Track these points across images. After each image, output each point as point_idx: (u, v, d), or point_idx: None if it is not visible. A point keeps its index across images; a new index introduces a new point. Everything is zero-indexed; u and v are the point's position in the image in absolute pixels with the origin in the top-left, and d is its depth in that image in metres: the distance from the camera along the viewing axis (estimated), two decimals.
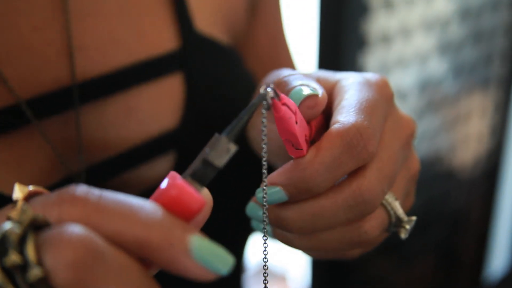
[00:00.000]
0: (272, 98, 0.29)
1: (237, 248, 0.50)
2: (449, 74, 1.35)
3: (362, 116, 0.31)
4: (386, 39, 1.15)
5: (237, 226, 0.48)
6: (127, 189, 0.39)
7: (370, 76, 0.35)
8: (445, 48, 1.31)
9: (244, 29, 0.50)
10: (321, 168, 0.30)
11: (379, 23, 1.12)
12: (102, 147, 0.38)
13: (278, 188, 0.31)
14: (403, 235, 0.35)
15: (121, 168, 0.38)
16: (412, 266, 1.45)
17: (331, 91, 0.35)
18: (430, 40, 1.26)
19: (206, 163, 0.27)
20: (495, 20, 1.43)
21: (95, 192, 0.23)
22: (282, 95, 0.30)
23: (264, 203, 0.31)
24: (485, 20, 1.39)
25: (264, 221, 0.32)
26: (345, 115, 0.31)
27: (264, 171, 0.31)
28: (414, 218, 0.35)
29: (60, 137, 0.37)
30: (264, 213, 0.31)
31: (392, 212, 0.34)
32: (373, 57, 1.13)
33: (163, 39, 0.41)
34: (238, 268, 0.53)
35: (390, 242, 1.38)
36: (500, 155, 1.64)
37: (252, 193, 0.45)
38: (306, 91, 0.32)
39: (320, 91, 0.32)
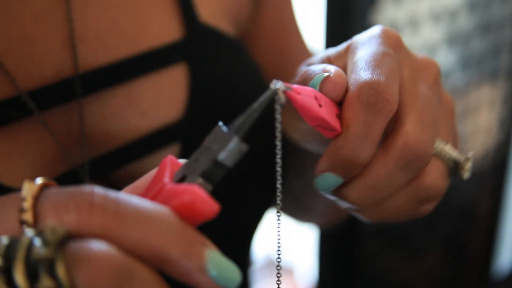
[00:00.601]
0: (284, 92, 0.29)
1: (244, 241, 0.50)
2: (457, 66, 1.34)
3: (370, 72, 0.31)
4: (394, 29, 1.14)
5: (245, 219, 0.47)
6: (130, 181, 0.38)
7: (373, 29, 0.35)
8: (454, 40, 1.30)
9: (249, 18, 0.49)
10: (355, 139, 0.30)
11: (387, 14, 1.11)
12: (105, 139, 0.38)
13: (329, 174, 0.31)
14: (466, 175, 0.35)
15: (124, 160, 0.38)
16: (419, 260, 1.45)
17: (347, 54, 0.35)
18: (438, 31, 1.25)
19: (217, 163, 0.26)
20: (504, 12, 1.42)
21: (112, 197, 0.22)
22: (294, 86, 0.30)
23: (278, 194, 0.31)
24: (493, 12, 1.38)
25: (278, 209, 0.32)
26: (355, 76, 0.31)
27: (278, 169, 0.31)
28: (471, 155, 0.35)
29: (63, 129, 0.36)
30: (278, 204, 0.32)
31: (446, 158, 0.33)
32: None
33: (166, 29, 0.40)
34: (246, 262, 0.52)
35: (397, 236, 1.38)
36: (509, 148, 1.63)
37: (260, 185, 0.45)
38: (320, 76, 0.32)
39: (332, 70, 0.32)
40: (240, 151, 0.27)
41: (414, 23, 1.18)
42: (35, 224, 0.22)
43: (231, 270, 0.24)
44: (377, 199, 0.32)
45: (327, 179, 0.32)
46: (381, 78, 0.30)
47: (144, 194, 0.26)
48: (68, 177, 0.36)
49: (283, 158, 0.45)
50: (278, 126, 0.30)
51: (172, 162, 0.27)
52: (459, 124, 1.43)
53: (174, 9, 0.41)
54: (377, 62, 0.31)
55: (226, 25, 0.45)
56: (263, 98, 0.28)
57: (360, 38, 0.35)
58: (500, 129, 1.58)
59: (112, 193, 0.23)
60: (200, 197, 0.24)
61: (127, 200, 0.23)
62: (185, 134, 0.39)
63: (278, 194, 0.31)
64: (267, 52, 0.51)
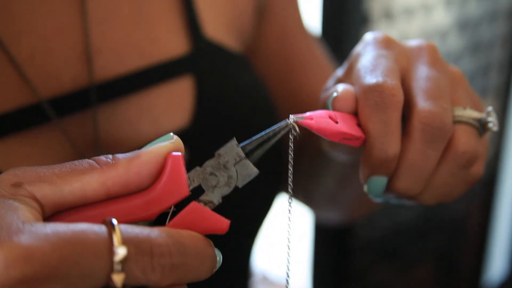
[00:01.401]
0: (296, 123, 0.32)
1: (243, 254, 0.52)
2: None
3: (369, 76, 0.34)
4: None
5: (243, 233, 0.49)
6: None
7: (365, 38, 0.38)
8: (444, 59, 1.32)
9: (253, 33, 0.52)
10: (377, 138, 0.33)
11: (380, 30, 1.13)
12: (118, 145, 0.40)
13: (372, 178, 0.34)
14: (494, 128, 0.36)
15: None
16: (411, 273, 1.46)
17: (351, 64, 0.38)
18: None
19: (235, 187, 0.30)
20: (493, 32, 1.45)
21: (181, 251, 0.26)
22: (306, 114, 0.33)
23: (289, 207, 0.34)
24: (483, 32, 1.42)
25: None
26: (358, 85, 0.35)
27: (290, 191, 0.33)
28: (490, 108, 0.37)
29: (79, 135, 0.39)
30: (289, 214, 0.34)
31: (470, 120, 0.36)
32: None
33: (174, 44, 0.43)
34: (245, 274, 0.54)
35: (390, 249, 1.39)
36: (498, 164, 1.66)
37: (258, 199, 0.47)
38: (330, 98, 0.35)
39: (339, 89, 0.35)
40: (251, 174, 0.30)
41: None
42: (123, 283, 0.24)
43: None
44: (422, 180, 0.34)
45: (374, 184, 0.35)
46: (379, 79, 0.33)
47: (165, 193, 0.28)
48: None
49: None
50: (291, 154, 0.32)
51: (182, 162, 0.29)
52: None
53: (181, 25, 0.44)
54: (374, 65, 0.35)
55: (231, 40, 0.48)
56: (278, 130, 0.31)
57: (356, 50, 0.38)
58: (490, 145, 1.61)
59: (182, 246, 0.26)
60: (227, 227, 0.29)
61: (192, 250, 0.26)
62: (192, 141, 0.42)
63: (289, 200, 0.34)
64: (273, 62, 0.54)
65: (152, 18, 0.43)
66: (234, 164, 0.30)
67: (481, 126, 0.36)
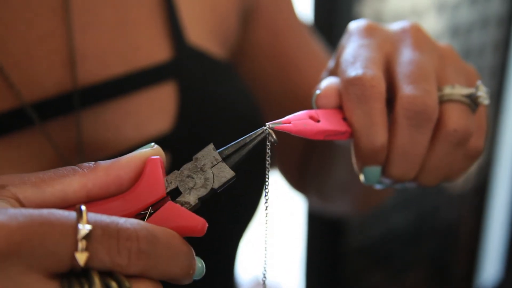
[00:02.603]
0: (272, 129, 0.32)
1: (228, 260, 0.52)
2: None
3: (349, 68, 0.35)
4: None
5: (225, 243, 0.49)
6: None
7: (349, 28, 0.39)
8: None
9: (238, 38, 0.52)
10: (362, 131, 0.34)
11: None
12: (101, 149, 0.41)
13: (366, 169, 0.35)
14: (485, 101, 0.36)
15: None
16: (403, 278, 1.46)
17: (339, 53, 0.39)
18: None
19: (212, 189, 0.30)
20: (484, 38, 1.46)
21: (153, 240, 0.26)
22: (284, 119, 0.33)
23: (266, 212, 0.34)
24: (474, 38, 1.43)
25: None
26: (341, 79, 0.35)
27: (266, 202, 0.34)
28: (479, 83, 0.36)
29: (62, 138, 0.39)
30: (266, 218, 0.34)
31: (459, 97, 0.36)
32: None
33: (157, 50, 0.44)
34: (231, 284, 0.54)
35: (382, 254, 1.39)
36: (490, 169, 1.66)
37: (239, 207, 0.47)
38: (313, 97, 0.36)
39: (322, 86, 0.35)
40: (228, 177, 0.31)
41: None
42: (86, 262, 0.25)
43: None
44: (415, 164, 0.35)
45: (368, 173, 0.35)
46: (358, 71, 0.34)
47: (142, 194, 0.29)
48: None
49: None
50: (268, 160, 0.33)
51: (160, 165, 0.30)
52: None
53: (165, 32, 0.44)
54: (354, 57, 0.35)
55: (214, 46, 0.48)
56: (254, 136, 0.32)
57: (342, 41, 0.38)
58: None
59: (152, 234, 0.26)
60: (205, 227, 0.29)
61: (163, 240, 0.27)
62: (174, 145, 0.42)
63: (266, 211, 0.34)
64: (265, 63, 0.54)
65: (136, 24, 0.43)
66: (211, 167, 0.31)
67: (472, 102, 0.36)
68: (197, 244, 0.40)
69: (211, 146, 0.31)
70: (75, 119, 0.40)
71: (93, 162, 0.29)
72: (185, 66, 0.45)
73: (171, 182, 0.30)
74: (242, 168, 0.45)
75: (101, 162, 0.29)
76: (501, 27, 1.50)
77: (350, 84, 0.34)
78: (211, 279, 0.49)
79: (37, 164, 0.38)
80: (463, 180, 1.58)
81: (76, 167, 0.28)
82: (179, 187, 0.30)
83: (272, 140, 0.32)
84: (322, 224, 1.21)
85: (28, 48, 0.39)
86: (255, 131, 0.32)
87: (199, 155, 0.31)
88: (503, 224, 1.76)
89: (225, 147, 0.31)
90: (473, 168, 1.67)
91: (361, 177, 0.36)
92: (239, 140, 0.32)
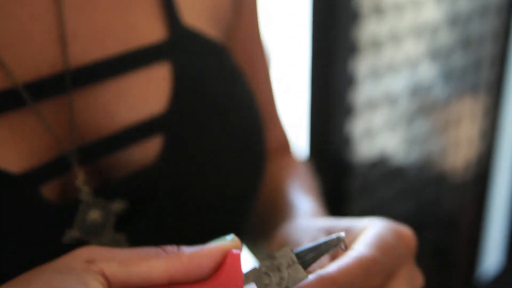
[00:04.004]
0: (343, 239, 0.34)
1: None
2: (439, 79, 1.38)
3: (378, 251, 0.35)
4: (376, 45, 1.17)
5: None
6: (117, 169, 0.41)
7: (402, 228, 0.39)
8: (435, 54, 1.33)
9: (231, 21, 0.52)
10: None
11: (369, 29, 1.14)
12: (94, 129, 0.40)
13: None
14: None
15: (111, 148, 0.41)
16: None
17: (360, 231, 0.39)
18: (420, 46, 1.28)
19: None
20: (484, 27, 1.46)
21: None
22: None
23: None
24: (474, 27, 1.42)
25: None
26: (364, 246, 0.35)
27: None
28: None
29: (55, 119, 0.39)
30: None
31: None
32: (364, 62, 1.16)
33: (151, 30, 0.44)
34: None
35: None
36: (491, 158, 1.66)
37: (237, 215, 0.48)
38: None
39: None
40: (302, 279, 0.33)
41: (396, 38, 1.21)
42: None
43: None
44: None
45: None
46: (380, 261, 0.35)
47: (221, 286, 0.31)
48: (58, 163, 0.39)
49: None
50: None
51: (240, 259, 0.32)
52: (442, 136, 1.46)
53: (159, 12, 0.44)
54: (386, 248, 0.36)
55: (209, 28, 0.48)
56: (330, 243, 0.34)
57: (383, 223, 0.39)
58: (482, 140, 1.62)
59: None
60: None
61: None
62: (168, 127, 0.42)
63: None
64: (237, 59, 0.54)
65: (130, 4, 0.43)
66: (287, 267, 0.33)
67: None
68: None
69: (289, 248, 0.33)
70: (67, 100, 0.40)
71: (176, 247, 0.31)
72: (180, 47, 0.45)
73: (248, 277, 0.32)
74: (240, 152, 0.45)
75: (185, 249, 0.31)
76: (501, 16, 1.49)
77: (371, 257, 0.36)
78: None
79: (30, 144, 0.38)
80: (464, 170, 1.58)
81: (161, 250, 0.31)
82: (256, 283, 0.32)
83: (343, 247, 0.34)
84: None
85: (21, 27, 0.39)
86: (330, 239, 0.34)
87: (277, 254, 0.33)
88: (505, 213, 1.76)
89: (301, 250, 0.34)
90: (474, 159, 1.67)
91: None
92: (315, 245, 0.34)
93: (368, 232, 0.37)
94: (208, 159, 0.44)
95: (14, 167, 0.37)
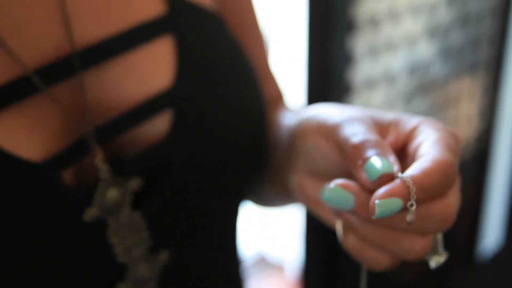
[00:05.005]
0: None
1: (227, 241, 0.52)
2: (437, 57, 1.37)
3: (452, 155, 0.34)
4: (374, 23, 1.17)
5: (225, 219, 0.49)
6: (131, 147, 0.41)
7: (450, 129, 0.38)
8: (434, 32, 1.33)
9: None
10: (428, 192, 0.33)
11: (367, 7, 1.14)
12: (106, 108, 0.40)
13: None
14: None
15: (124, 126, 0.41)
16: None
17: (414, 127, 0.38)
18: (418, 23, 1.28)
19: None
20: (483, 4, 1.45)
21: None
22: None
23: None
24: (472, 4, 1.41)
25: None
26: (439, 150, 0.34)
27: None
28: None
29: (68, 102, 0.39)
30: None
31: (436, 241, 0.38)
32: (362, 40, 1.15)
33: (151, 5, 0.44)
34: (235, 260, 0.54)
35: None
36: (490, 137, 1.66)
37: (241, 182, 0.48)
38: (380, 166, 0.34)
39: (395, 167, 0.34)
40: None
41: (394, 16, 1.20)
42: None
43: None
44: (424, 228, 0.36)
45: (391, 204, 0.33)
46: (456, 164, 0.34)
47: None
48: (77, 146, 0.39)
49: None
50: None
51: None
52: (441, 114, 1.46)
53: None
54: (453, 151, 0.35)
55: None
56: None
57: (437, 127, 0.37)
58: (481, 119, 1.62)
59: None
60: None
61: None
62: (177, 101, 0.42)
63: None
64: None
65: None
66: None
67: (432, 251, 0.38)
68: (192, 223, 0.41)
69: None
70: (78, 81, 0.39)
71: None
72: (180, 19, 0.45)
73: None
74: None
75: None
76: None
77: (450, 161, 0.35)
78: (212, 256, 0.49)
79: (48, 130, 0.38)
80: (464, 148, 1.58)
81: None
82: None
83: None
84: None
85: (24, 13, 0.38)
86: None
87: None
88: (504, 191, 1.76)
89: None
90: (473, 137, 1.67)
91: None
92: None
93: (433, 135, 0.36)
94: (216, 129, 0.44)
95: (36, 156, 0.37)
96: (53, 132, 0.38)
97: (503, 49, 1.57)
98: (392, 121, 0.38)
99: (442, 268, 1.66)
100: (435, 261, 0.38)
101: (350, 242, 0.39)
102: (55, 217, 0.37)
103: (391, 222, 0.35)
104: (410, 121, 0.38)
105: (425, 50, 1.33)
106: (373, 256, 0.39)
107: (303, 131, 0.42)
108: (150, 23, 0.43)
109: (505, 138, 1.69)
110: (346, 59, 1.14)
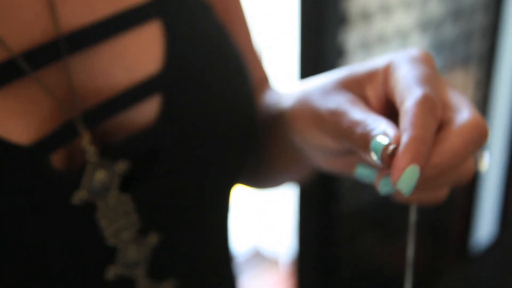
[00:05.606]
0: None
1: (218, 226, 0.52)
2: (430, 51, 1.38)
3: (428, 87, 0.35)
4: (366, 17, 1.17)
5: (216, 204, 0.49)
6: (119, 132, 0.42)
7: (412, 52, 0.39)
8: (425, 25, 1.33)
9: None
10: (426, 139, 0.33)
11: (359, 0, 1.14)
12: (94, 92, 0.41)
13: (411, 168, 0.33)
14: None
15: (112, 110, 0.41)
16: (398, 241, 1.48)
17: (385, 74, 0.39)
18: (410, 17, 1.28)
19: None
20: None
21: None
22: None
23: None
24: None
25: None
26: (414, 89, 0.35)
27: None
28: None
29: (55, 86, 0.40)
30: None
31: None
32: (354, 34, 1.15)
33: None
34: (225, 248, 0.54)
35: (376, 217, 1.40)
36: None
37: (231, 175, 0.48)
38: (384, 141, 0.34)
39: (392, 135, 0.35)
40: None
41: (386, 9, 1.20)
42: None
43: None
44: (457, 162, 0.35)
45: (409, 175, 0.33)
46: (434, 94, 0.35)
47: None
48: (64, 129, 0.39)
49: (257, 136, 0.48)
50: None
51: None
52: None
53: None
54: (429, 80, 0.36)
55: None
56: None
57: (404, 57, 0.39)
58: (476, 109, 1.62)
59: None
60: None
61: None
62: (165, 86, 0.42)
63: None
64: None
65: None
66: None
67: None
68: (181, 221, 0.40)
69: None
70: (64, 65, 0.40)
71: None
72: (169, 4, 0.45)
73: None
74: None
75: None
76: None
77: (428, 95, 0.35)
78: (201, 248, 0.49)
79: (35, 113, 0.38)
80: None
81: None
82: None
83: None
84: (314, 189, 1.21)
85: None
86: None
87: None
88: (497, 184, 1.77)
89: None
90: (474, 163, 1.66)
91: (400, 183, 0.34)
92: None
93: (404, 74, 0.37)
94: (205, 114, 0.44)
95: (24, 139, 0.37)
96: (41, 116, 0.38)
97: (495, 42, 1.57)
98: (366, 76, 0.40)
99: (435, 259, 1.66)
100: (481, 169, 0.39)
101: (403, 197, 0.40)
102: (44, 200, 0.37)
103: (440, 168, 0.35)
104: (377, 66, 0.39)
105: (417, 43, 1.33)
106: (428, 196, 0.40)
107: (295, 120, 0.43)
108: (138, 8, 0.43)
109: (498, 132, 1.70)
110: (338, 53, 1.14)
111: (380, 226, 1.43)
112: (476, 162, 0.38)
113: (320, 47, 1.11)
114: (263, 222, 2.05)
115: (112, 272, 0.42)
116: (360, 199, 1.32)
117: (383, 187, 0.36)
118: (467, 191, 1.72)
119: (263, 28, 1.56)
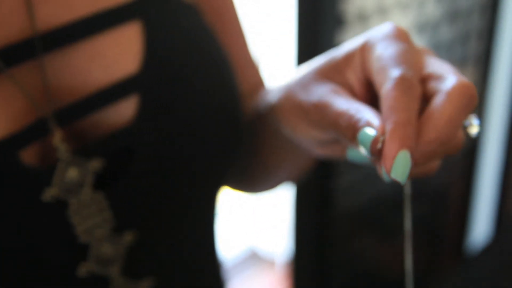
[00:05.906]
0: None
1: (200, 238, 0.52)
2: None
3: (403, 66, 0.35)
4: (363, 18, 1.17)
5: (196, 205, 0.49)
6: (94, 131, 0.41)
7: (386, 28, 0.38)
8: (422, 27, 1.33)
9: None
10: (409, 122, 0.33)
11: (356, 2, 1.14)
12: (69, 91, 0.41)
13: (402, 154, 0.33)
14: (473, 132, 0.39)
15: (87, 109, 0.41)
16: (394, 242, 1.48)
17: (361, 55, 0.38)
18: (407, 19, 1.28)
19: None
20: (471, 0, 1.45)
21: None
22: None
23: None
24: (461, 0, 1.42)
25: None
26: (389, 71, 0.35)
27: None
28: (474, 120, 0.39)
29: (30, 84, 0.39)
30: None
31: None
32: (351, 35, 1.16)
33: None
34: (210, 259, 0.54)
35: (372, 218, 1.40)
36: (480, 131, 1.67)
37: (215, 189, 0.48)
38: (371, 132, 0.34)
39: (377, 124, 0.34)
40: None
41: (382, 11, 1.21)
42: None
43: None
44: (453, 134, 0.35)
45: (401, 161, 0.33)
46: (411, 72, 0.34)
47: None
48: (36, 127, 0.39)
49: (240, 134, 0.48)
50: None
51: None
52: None
53: None
54: (404, 57, 0.35)
55: None
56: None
57: (376, 36, 0.38)
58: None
59: None
60: None
61: None
62: (143, 86, 0.42)
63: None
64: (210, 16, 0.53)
65: None
66: None
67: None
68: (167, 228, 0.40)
69: None
70: (39, 64, 0.40)
71: None
72: (150, 5, 0.44)
73: None
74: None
75: None
76: None
77: (403, 78, 0.35)
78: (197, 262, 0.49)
79: (7, 110, 0.38)
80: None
81: None
82: None
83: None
84: (310, 190, 1.21)
85: None
86: None
87: None
88: (493, 185, 1.77)
89: None
90: (463, 130, 1.67)
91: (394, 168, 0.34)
92: None
93: (379, 54, 0.37)
94: (184, 117, 0.44)
95: None
96: (13, 112, 0.38)
97: (491, 44, 1.57)
98: (343, 60, 0.40)
99: (431, 261, 1.67)
100: (472, 132, 0.39)
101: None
102: (14, 197, 0.37)
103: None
104: (356, 51, 0.39)
105: None
106: (419, 169, 0.40)
107: (282, 114, 0.43)
108: (118, 8, 0.43)
109: (495, 132, 1.70)
110: None
111: (375, 227, 1.43)
112: (466, 128, 0.38)
113: (317, 48, 1.11)
114: (259, 223, 2.05)
115: (84, 269, 0.41)
116: (356, 200, 1.32)
117: (385, 176, 0.36)
118: (463, 191, 1.72)
119: (260, 29, 1.56)
